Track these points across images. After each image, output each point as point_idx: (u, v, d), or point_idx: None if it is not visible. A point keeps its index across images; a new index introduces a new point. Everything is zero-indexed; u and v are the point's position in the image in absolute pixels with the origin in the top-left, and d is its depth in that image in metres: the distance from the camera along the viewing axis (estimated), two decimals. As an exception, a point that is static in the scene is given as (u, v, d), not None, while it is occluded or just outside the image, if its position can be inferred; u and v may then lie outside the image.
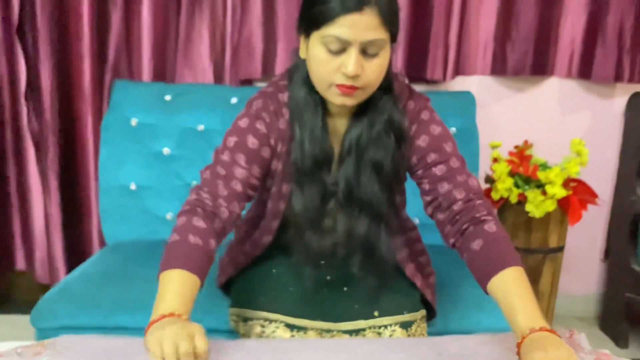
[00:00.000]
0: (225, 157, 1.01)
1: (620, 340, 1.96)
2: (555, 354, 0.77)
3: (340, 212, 1.07)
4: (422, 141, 1.04)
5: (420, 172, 1.04)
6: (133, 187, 1.65)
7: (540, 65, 1.88)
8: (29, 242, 1.93)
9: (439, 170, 1.02)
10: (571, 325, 2.09)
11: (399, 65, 1.81)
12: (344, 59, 0.92)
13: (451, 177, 1.01)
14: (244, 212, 1.07)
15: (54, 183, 1.81)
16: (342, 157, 1.04)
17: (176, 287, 0.86)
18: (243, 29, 1.75)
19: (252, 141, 1.02)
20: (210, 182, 1.00)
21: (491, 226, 0.96)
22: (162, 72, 1.79)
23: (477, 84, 1.91)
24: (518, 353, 0.82)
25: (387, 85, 1.01)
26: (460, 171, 1.02)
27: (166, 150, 1.66)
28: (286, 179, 1.05)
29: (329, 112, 1.04)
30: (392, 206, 1.07)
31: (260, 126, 1.03)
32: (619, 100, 1.98)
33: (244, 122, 1.03)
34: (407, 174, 1.12)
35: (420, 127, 1.04)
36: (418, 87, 1.18)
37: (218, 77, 1.81)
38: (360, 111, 1.03)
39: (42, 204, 1.87)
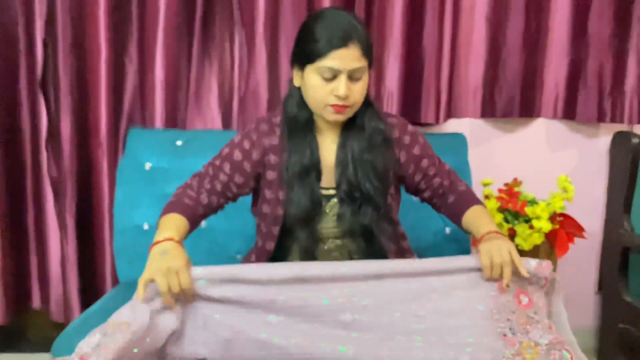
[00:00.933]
0: (217, 162, 1.30)
1: (617, 371, 2.01)
2: (497, 242, 1.10)
3: (345, 208, 1.25)
4: (415, 150, 1.29)
5: (418, 176, 1.30)
6: (146, 227, 1.74)
7: (527, 108, 2.00)
8: (45, 281, 2.00)
9: (430, 170, 1.32)
10: (569, 357, 2.14)
11: (394, 109, 1.93)
12: (335, 85, 1.14)
13: (439, 173, 1.33)
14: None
15: (70, 225, 1.90)
16: (340, 162, 1.24)
17: (174, 222, 1.20)
18: (249, 79, 1.87)
19: (237, 154, 1.26)
20: (202, 175, 1.31)
21: (462, 188, 1.33)
22: (174, 120, 1.90)
23: (469, 126, 2.03)
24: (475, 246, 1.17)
25: (367, 102, 1.23)
26: (442, 165, 1.35)
27: (177, 192, 1.77)
28: (282, 186, 1.24)
29: (318, 128, 1.25)
30: (386, 202, 1.26)
31: (246, 144, 1.27)
32: (603, 139, 2.09)
33: (237, 139, 1.30)
34: (402, 187, 1.36)
35: (411, 138, 1.28)
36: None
37: (226, 124, 1.93)
38: (348, 125, 1.24)
39: (58, 245, 1.95)
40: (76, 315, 1.89)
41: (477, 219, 1.24)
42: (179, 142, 1.79)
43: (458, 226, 1.32)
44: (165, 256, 1.08)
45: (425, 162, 1.31)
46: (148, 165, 1.77)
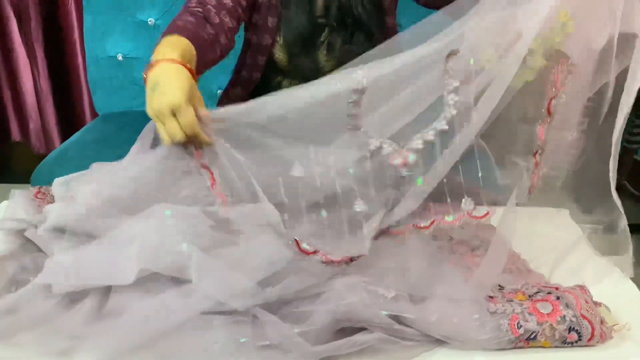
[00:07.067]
0: None
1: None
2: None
3: (335, 37, 1.10)
4: None
5: None
6: (120, 58, 1.66)
7: None
8: (21, 113, 1.97)
9: None
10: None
11: None
12: None
13: None
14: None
15: (40, 54, 1.82)
16: None
17: (169, 41, 0.81)
18: None
19: None
20: None
21: None
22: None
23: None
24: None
25: None
26: None
27: (151, 21, 1.65)
28: (272, 11, 1.08)
29: None
30: (385, 27, 1.12)
31: None
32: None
33: None
34: None
35: None
36: None
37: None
38: None
39: (30, 76, 1.89)
40: (57, 147, 1.89)
41: None
42: (149, -37, 1.63)
43: None
44: (154, 92, 0.73)
45: None
46: (116, -11, 1.63)
